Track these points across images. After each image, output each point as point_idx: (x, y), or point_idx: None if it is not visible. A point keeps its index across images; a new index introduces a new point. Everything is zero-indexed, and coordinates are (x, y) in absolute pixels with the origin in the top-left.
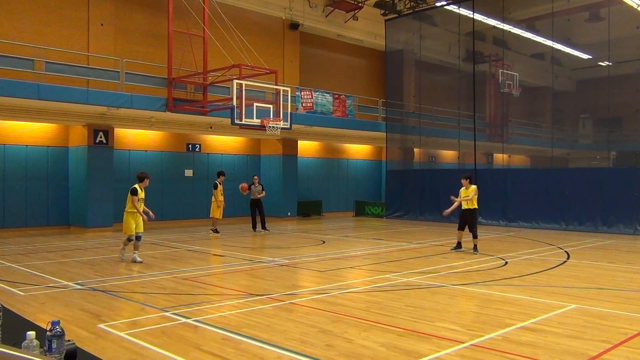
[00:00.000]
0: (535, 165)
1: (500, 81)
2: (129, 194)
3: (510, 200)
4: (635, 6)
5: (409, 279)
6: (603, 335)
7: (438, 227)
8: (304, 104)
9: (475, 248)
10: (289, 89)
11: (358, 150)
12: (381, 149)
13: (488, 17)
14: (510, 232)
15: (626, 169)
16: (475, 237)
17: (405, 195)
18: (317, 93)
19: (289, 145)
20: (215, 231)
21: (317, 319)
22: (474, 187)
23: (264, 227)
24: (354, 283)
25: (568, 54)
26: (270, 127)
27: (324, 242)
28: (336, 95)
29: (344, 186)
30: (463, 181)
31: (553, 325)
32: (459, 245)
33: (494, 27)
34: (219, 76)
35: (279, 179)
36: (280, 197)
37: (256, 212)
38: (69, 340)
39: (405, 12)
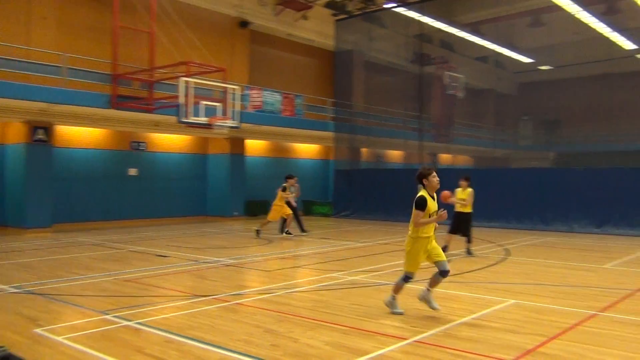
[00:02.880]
0: (478, 165)
1: (446, 83)
2: None
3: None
4: (574, 13)
5: (355, 278)
6: (540, 329)
7: (385, 226)
8: (252, 103)
9: (469, 251)
10: (237, 88)
11: (306, 149)
12: (329, 149)
13: (435, 20)
14: None
15: (564, 169)
16: (469, 241)
17: (352, 195)
18: (266, 92)
19: (237, 144)
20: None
21: (262, 319)
22: (470, 190)
23: (302, 230)
24: (301, 282)
25: (511, 57)
26: (217, 125)
27: (270, 241)
28: (285, 95)
29: None
30: (462, 182)
31: (492, 320)
32: (444, 249)
33: (441, 30)
34: (166, 73)
35: (226, 178)
36: (227, 196)
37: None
38: (1, 347)
39: (355, 13)
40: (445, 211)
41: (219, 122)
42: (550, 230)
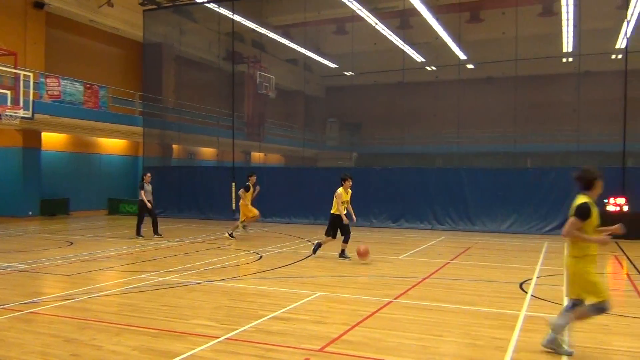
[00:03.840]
0: (289, 164)
1: (258, 82)
2: None
3: (266, 197)
4: (373, 24)
5: (166, 278)
6: (343, 318)
7: (197, 225)
8: (49, 92)
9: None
10: (31, 74)
11: (113, 144)
12: (138, 144)
13: (247, 20)
14: (265, 227)
15: (365, 169)
16: (345, 242)
17: (163, 192)
18: (66, 81)
19: (31, 136)
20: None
21: (61, 328)
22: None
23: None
24: (106, 286)
25: (318, 61)
26: (6, 115)
27: (71, 243)
28: (88, 85)
29: (96, 183)
30: (348, 182)
31: (301, 313)
32: (318, 246)
33: (253, 30)
34: None
35: (17, 174)
36: (19, 194)
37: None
38: None
39: (165, 4)
40: (619, 225)
41: (8, 112)
42: (353, 225)
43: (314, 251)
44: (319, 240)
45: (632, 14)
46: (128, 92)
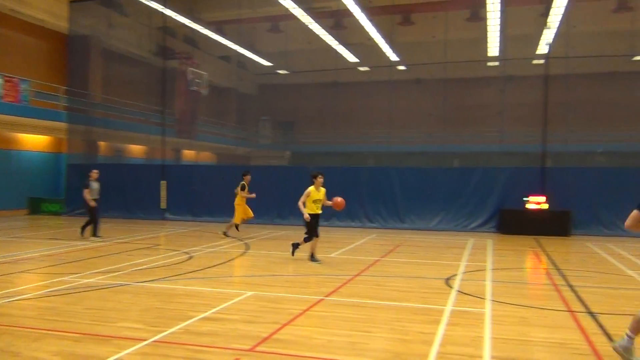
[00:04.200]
0: (221, 162)
1: (189, 79)
2: None
3: (198, 195)
4: (307, 24)
5: (91, 280)
6: (274, 317)
7: (124, 224)
8: None
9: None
10: None
11: (33, 141)
12: (61, 141)
13: (179, 15)
14: (197, 227)
15: (298, 167)
16: (306, 241)
17: None
18: None
19: None
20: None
21: None
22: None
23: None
24: (25, 289)
25: (252, 59)
26: None
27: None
28: (7, 78)
29: (15, 181)
30: (320, 179)
31: (231, 313)
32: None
33: (185, 25)
34: None
35: None
36: None
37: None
38: None
39: None
40: None
41: None
42: (287, 224)
43: (312, 259)
44: (311, 252)
45: (552, 22)
46: (52, 86)
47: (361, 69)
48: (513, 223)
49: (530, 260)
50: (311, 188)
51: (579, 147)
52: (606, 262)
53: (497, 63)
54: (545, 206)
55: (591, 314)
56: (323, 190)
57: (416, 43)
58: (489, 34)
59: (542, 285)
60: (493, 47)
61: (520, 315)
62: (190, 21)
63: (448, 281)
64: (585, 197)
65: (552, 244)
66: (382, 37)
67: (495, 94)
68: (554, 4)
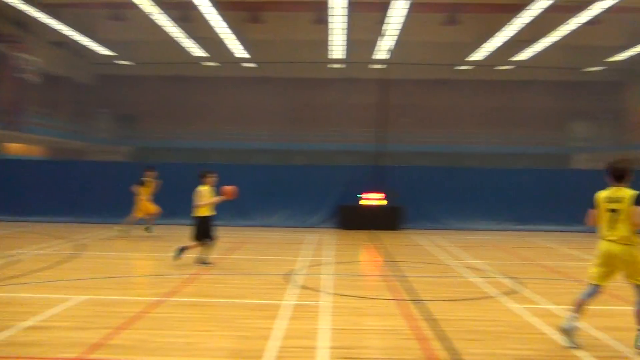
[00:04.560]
0: (53, 157)
1: (17, 65)
2: None
3: (25, 193)
4: (152, 14)
5: None
6: (109, 322)
7: None
8: None
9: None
10: None
11: None
12: None
13: None
14: (23, 227)
15: (139, 163)
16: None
17: None
18: None
19: None
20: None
21: None
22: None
23: None
24: None
25: (90, 47)
26: None
27: None
28: None
29: None
30: (212, 178)
31: (61, 320)
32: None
33: (15, 6)
34: None
35: None
36: None
37: None
38: None
39: None
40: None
41: None
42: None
43: (204, 263)
44: (200, 255)
45: (389, 30)
46: None
47: (209, 64)
48: (351, 219)
49: (366, 253)
50: (206, 187)
51: (410, 147)
52: (431, 253)
53: (340, 65)
54: (384, 202)
55: (417, 301)
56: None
57: (265, 41)
58: (333, 37)
59: (376, 277)
60: (336, 50)
61: (356, 306)
62: (21, 1)
63: (289, 276)
64: (414, 193)
65: (386, 237)
66: (231, 33)
67: (338, 95)
68: (391, 13)
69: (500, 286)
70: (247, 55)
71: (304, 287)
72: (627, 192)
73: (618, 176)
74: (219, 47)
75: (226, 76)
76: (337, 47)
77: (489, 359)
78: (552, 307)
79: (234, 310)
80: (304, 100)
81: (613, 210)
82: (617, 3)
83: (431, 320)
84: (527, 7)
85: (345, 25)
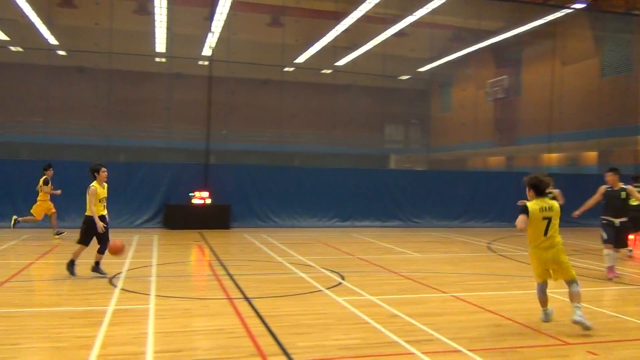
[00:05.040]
0: None
1: None
2: None
3: None
4: None
5: None
6: None
7: None
8: None
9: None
10: None
11: None
12: None
13: None
14: None
15: None
16: (101, 252)
17: None
18: None
19: None
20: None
21: None
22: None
23: None
24: None
25: None
26: None
27: None
28: None
29: None
30: (104, 173)
31: None
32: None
33: None
34: None
35: None
36: None
37: None
38: None
39: None
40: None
41: None
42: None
43: (70, 268)
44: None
45: (215, 26)
46: None
47: (12, 48)
48: (179, 218)
49: (194, 253)
50: (95, 184)
51: (237, 146)
52: (260, 250)
53: (164, 59)
54: (209, 201)
55: (247, 299)
56: (106, 185)
57: (78, 28)
58: (156, 30)
59: (205, 277)
60: (160, 43)
61: (184, 307)
62: None
63: (112, 280)
64: (242, 192)
65: (215, 236)
66: (39, 17)
67: (163, 90)
68: (217, 10)
69: (325, 280)
70: (57, 42)
71: (128, 291)
72: (552, 203)
73: (543, 190)
74: (26, 31)
75: (34, 64)
76: (161, 40)
77: (317, 351)
78: (373, 297)
79: (50, 319)
80: (125, 94)
81: (547, 219)
82: (421, 18)
83: (261, 317)
84: (346, 16)
85: (166, 19)
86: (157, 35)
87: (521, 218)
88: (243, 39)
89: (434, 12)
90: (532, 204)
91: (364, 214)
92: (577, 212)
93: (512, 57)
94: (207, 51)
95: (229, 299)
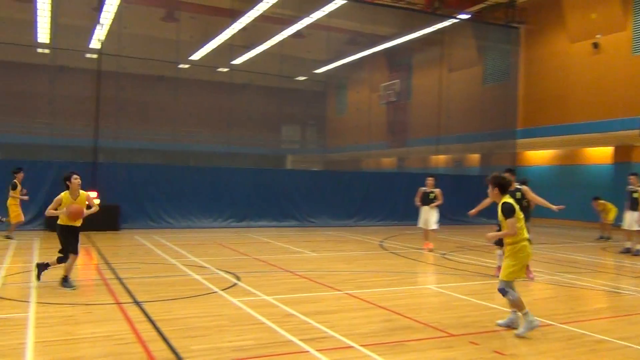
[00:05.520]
0: None
1: None
2: None
3: None
4: None
5: None
6: None
7: None
8: None
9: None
10: None
11: None
12: None
13: None
14: None
15: None
16: (60, 261)
17: None
18: None
19: None
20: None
21: None
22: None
23: None
24: None
25: None
26: None
27: None
28: None
29: None
30: (76, 180)
31: None
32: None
33: None
34: None
35: None
36: None
37: None
38: None
39: None
40: None
41: None
42: None
43: (38, 273)
44: (65, 273)
45: (104, 18)
46: None
47: None
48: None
49: (80, 257)
50: (64, 195)
51: (128, 144)
52: (152, 252)
53: (47, 50)
54: (97, 201)
55: (137, 303)
56: (84, 194)
57: None
58: (38, 19)
59: (91, 281)
60: (43, 33)
61: (67, 314)
62: None
63: None
64: (133, 192)
65: (103, 238)
66: None
67: (46, 83)
68: (106, 1)
69: (221, 281)
70: None
71: (5, 298)
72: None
73: (507, 188)
74: None
75: None
76: (43, 30)
77: (211, 353)
78: (268, 297)
79: None
80: (4, 86)
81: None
82: (317, 21)
83: (152, 321)
84: (243, 14)
85: (50, 7)
86: (39, 24)
87: (512, 222)
88: (135, 33)
89: (330, 15)
90: (511, 201)
91: (260, 214)
92: (473, 211)
93: (403, 62)
94: (95, 44)
95: (118, 303)
